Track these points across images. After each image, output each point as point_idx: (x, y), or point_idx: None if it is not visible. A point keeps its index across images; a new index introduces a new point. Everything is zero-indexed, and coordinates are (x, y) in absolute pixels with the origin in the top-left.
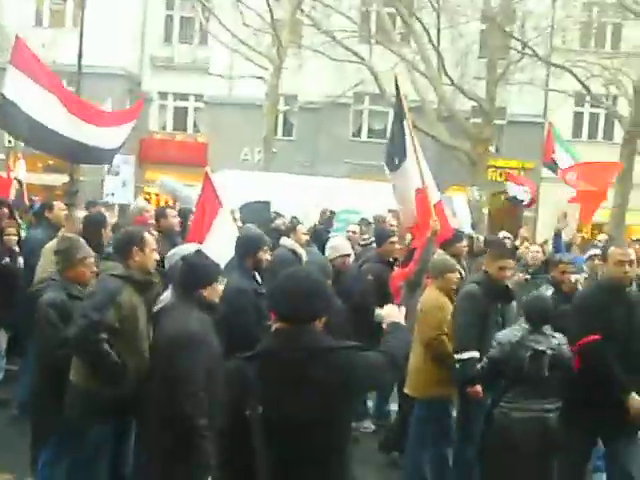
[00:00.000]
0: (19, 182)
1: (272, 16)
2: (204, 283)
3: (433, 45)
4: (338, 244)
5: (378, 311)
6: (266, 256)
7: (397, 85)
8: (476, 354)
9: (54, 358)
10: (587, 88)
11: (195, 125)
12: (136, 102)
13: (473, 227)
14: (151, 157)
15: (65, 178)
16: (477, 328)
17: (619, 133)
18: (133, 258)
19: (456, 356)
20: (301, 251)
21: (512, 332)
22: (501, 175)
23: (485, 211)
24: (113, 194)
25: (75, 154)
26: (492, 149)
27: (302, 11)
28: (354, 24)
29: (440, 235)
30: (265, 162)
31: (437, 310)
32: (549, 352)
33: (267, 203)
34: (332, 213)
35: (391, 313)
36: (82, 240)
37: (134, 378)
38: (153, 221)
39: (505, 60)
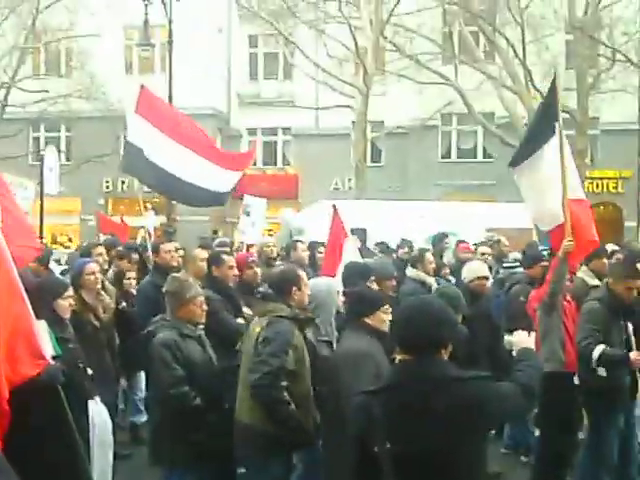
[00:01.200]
0: (148, 232)
1: (356, 44)
2: (368, 311)
3: (519, 59)
4: (475, 266)
5: (508, 337)
6: (373, 285)
7: (554, 82)
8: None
9: (170, 397)
10: None
11: (284, 158)
12: (249, 151)
13: None
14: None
15: (162, 219)
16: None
17: None
18: (293, 297)
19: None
20: (430, 280)
21: None
22: (598, 186)
23: None
24: (244, 233)
25: (192, 196)
26: (587, 160)
27: (385, 37)
28: (437, 46)
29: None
30: (357, 190)
31: None
32: None
33: (363, 230)
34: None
35: (522, 339)
36: (191, 279)
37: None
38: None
39: (595, 69)
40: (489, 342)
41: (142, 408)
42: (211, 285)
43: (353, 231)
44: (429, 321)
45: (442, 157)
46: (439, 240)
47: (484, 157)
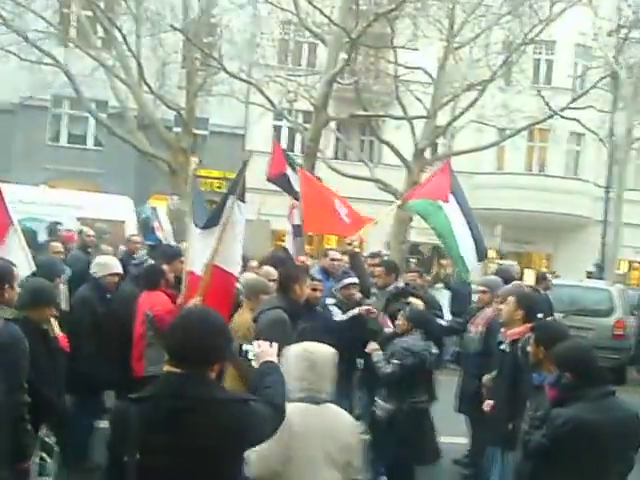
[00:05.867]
0: None
1: None
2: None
3: (132, 53)
4: (108, 262)
5: (248, 347)
6: None
7: (245, 164)
8: None
9: None
10: (272, 103)
11: None
12: None
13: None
14: None
15: None
16: None
17: None
18: (4, 295)
19: None
20: None
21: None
22: (202, 185)
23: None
24: None
25: None
26: (195, 159)
27: None
28: (51, 26)
29: None
30: None
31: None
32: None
33: None
34: None
35: (265, 350)
36: None
37: None
38: None
39: (205, 72)
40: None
41: None
42: None
43: None
44: (206, 335)
45: (51, 140)
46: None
47: (95, 145)
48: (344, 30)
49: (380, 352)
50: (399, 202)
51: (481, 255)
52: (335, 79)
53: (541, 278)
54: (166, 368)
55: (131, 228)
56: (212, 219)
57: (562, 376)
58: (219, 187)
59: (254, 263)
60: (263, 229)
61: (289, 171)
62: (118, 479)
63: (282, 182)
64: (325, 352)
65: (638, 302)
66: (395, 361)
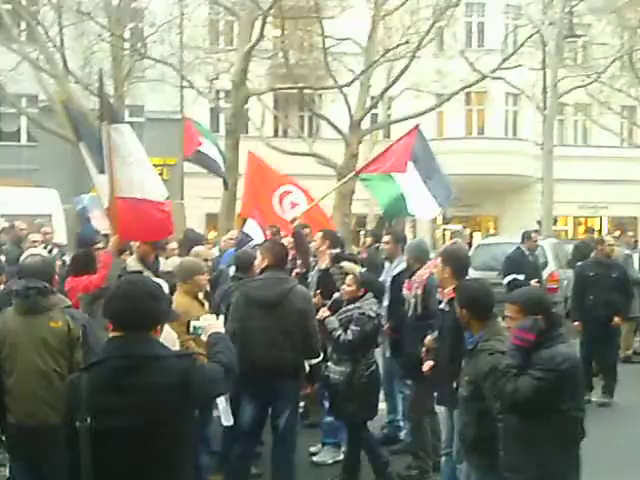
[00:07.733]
0: None
1: None
2: None
3: (54, 44)
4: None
5: (195, 323)
6: None
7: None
8: None
9: None
10: (190, 84)
11: None
12: None
13: None
14: None
15: None
16: None
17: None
18: None
19: None
20: None
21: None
22: None
23: None
24: None
25: None
26: None
27: None
28: None
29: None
30: None
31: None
32: None
33: None
34: None
35: (212, 323)
36: None
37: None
38: None
39: (131, 58)
40: None
41: None
42: None
43: None
44: (138, 300)
45: None
46: None
47: (29, 141)
48: (254, 2)
49: (333, 318)
50: (352, 174)
51: (444, 200)
52: (251, 53)
53: (526, 237)
54: (111, 334)
55: (59, 221)
56: (99, 159)
57: (536, 320)
58: (160, 174)
59: (174, 244)
60: (177, 212)
61: (204, 145)
62: (73, 446)
63: (198, 159)
64: None
65: (572, 255)
66: (354, 327)
